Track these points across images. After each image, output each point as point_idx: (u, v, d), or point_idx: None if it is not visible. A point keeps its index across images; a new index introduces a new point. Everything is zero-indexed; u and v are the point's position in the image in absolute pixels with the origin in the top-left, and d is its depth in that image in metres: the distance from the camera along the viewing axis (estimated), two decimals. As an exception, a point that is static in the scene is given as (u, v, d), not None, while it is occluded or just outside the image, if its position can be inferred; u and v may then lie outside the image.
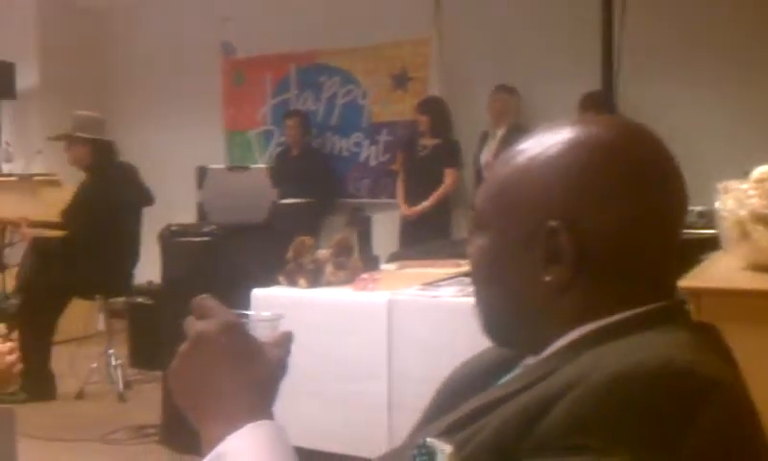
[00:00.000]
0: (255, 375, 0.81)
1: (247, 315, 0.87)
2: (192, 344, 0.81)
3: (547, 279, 0.84)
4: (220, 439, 0.76)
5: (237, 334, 0.82)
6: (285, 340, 0.87)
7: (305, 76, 7.10)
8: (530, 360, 0.90)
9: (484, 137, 5.99)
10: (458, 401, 0.87)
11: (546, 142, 0.87)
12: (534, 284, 0.85)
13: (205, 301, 0.84)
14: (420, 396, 1.04)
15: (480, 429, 0.77)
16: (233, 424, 0.77)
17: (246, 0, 6.83)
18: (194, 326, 0.82)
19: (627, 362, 0.73)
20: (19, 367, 1.69)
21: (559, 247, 0.83)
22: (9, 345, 1.69)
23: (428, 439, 0.80)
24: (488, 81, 6.01)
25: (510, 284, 0.89)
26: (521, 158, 0.89)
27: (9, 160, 7.55)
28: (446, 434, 0.81)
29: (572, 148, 0.85)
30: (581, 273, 0.83)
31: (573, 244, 0.83)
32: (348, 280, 3.40)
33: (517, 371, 0.91)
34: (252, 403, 0.79)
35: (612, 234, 0.83)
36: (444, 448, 0.78)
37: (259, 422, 0.78)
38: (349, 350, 3.15)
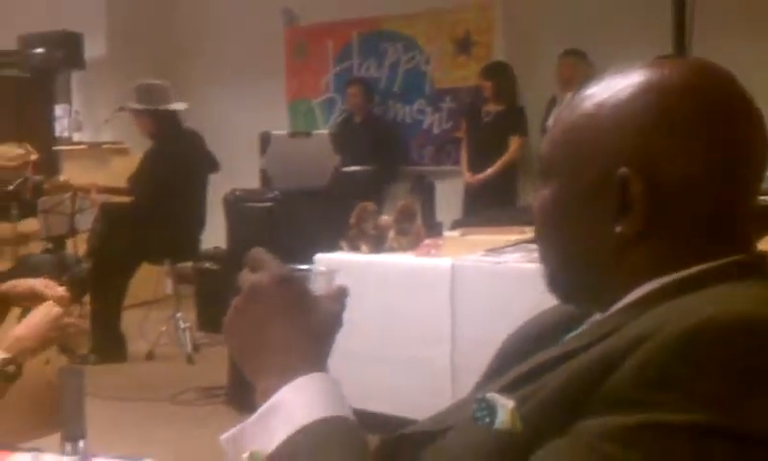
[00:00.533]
0: (310, 326, 0.80)
1: (302, 269, 0.86)
2: (246, 296, 0.80)
3: (617, 229, 0.81)
4: (273, 391, 0.75)
5: (291, 286, 0.81)
6: (340, 294, 0.85)
7: (368, 43, 7.06)
8: (596, 317, 0.87)
9: (552, 103, 5.86)
10: (520, 359, 0.85)
11: (616, 86, 0.83)
12: (603, 236, 0.82)
13: (259, 253, 0.83)
14: (483, 361, 1.02)
15: (543, 386, 0.75)
16: (287, 375, 0.76)
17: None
18: (248, 278, 0.81)
19: (702, 316, 0.69)
20: (78, 327, 1.71)
21: (630, 195, 0.79)
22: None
23: (489, 394, 0.78)
24: (555, 45, 5.88)
25: (577, 236, 0.85)
26: (590, 103, 0.85)
27: (78, 129, 7.75)
28: (508, 390, 0.79)
29: (644, 90, 0.81)
30: (653, 223, 0.79)
31: (646, 192, 0.79)
32: (411, 246, 3.38)
33: (583, 328, 0.87)
34: (305, 355, 0.78)
35: (687, 181, 0.79)
36: (504, 404, 0.76)
37: (313, 374, 0.77)
38: (412, 315, 3.15)
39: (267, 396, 0.76)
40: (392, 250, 3.39)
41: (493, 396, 0.78)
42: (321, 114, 7.36)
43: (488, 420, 0.77)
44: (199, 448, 3.36)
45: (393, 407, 3.03)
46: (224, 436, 0.77)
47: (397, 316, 3.17)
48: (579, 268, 0.86)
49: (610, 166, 0.80)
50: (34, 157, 5.44)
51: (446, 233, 4.00)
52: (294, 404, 0.74)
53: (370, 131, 6.52)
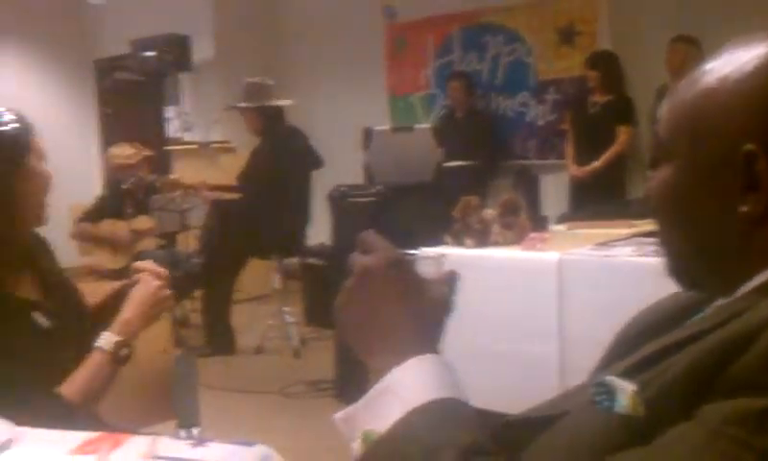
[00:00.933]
0: (421, 309, 0.80)
1: (412, 253, 0.85)
2: (358, 278, 0.81)
3: (743, 209, 0.77)
4: (385, 372, 0.75)
5: (403, 269, 0.81)
6: (450, 279, 0.85)
7: (469, 36, 7.00)
8: (719, 302, 0.82)
9: (661, 92, 5.64)
10: (639, 346, 0.81)
11: (739, 59, 0.79)
12: (727, 217, 0.78)
13: (371, 236, 0.83)
14: (590, 358, 0.98)
15: (665, 370, 0.72)
16: (398, 356, 0.76)
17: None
18: (359, 260, 0.81)
19: None
20: (168, 295, 1.76)
21: (756, 173, 0.75)
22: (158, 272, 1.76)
23: (609, 377, 0.76)
24: (664, 31, 5.66)
25: (699, 219, 0.81)
26: (710, 78, 0.80)
27: (189, 130, 8.01)
28: (628, 375, 0.76)
29: None
30: None
31: None
32: (516, 240, 3.32)
33: (706, 312, 0.83)
34: (417, 337, 0.78)
35: None
36: (625, 387, 0.74)
37: (424, 355, 0.76)
38: (518, 310, 3.09)
39: (379, 376, 0.76)
40: (496, 244, 3.34)
41: (614, 379, 0.75)
42: (421, 109, 7.35)
43: (607, 403, 0.75)
44: (307, 439, 3.41)
45: (496, 405, 2.98)
46: (337, 415, 0.78)
47: (502, 311, 3.12)
48: (701, 251, 0.83)
49: (734, 143, 0.76)
50: (147, 153, 5.65)
51: (552, 227, 3.91)
52: (406, 385, 0.74)
53: (471, 125, 6.46)
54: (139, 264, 1.80)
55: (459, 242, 3.35)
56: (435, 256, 0.87)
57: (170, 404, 2.10)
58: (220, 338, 5.15)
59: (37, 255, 1.76)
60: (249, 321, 5.34)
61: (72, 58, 8.97)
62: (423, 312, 0.80)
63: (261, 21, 8.22)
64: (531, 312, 3.05)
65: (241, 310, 5.44)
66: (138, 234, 5.49)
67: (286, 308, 5.28)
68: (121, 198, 5.51)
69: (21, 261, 1.68)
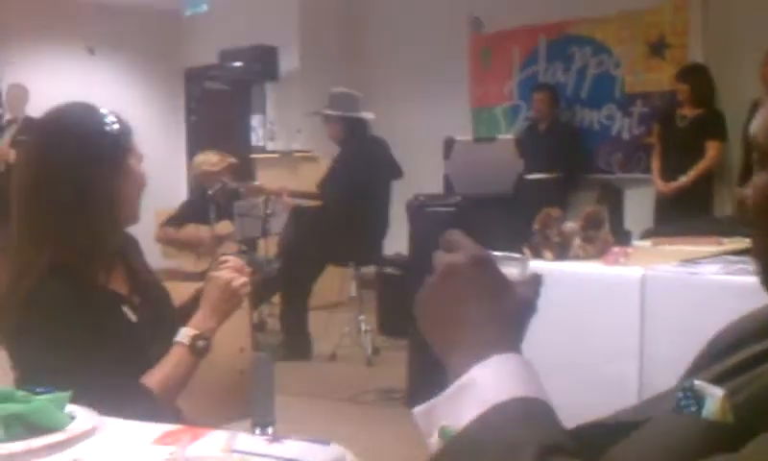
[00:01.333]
0: (503, 308, 0.79)
1: (497, 254, 0.84)
2: (441, 275, 0.80)
3: None
4: (464, 370, 0.74)
5: (486, 267, 0.80)
6: (534, 281, 0.84)
7: (554, 48, 6.92)
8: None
9: (755, 107, 5.44)
10: (729, 354, 0.78)
11: None
12: None
13: (455, 235, 0.83)
14: (672, 378, 0.94)
15: (757, 377, 0.69)
16: (479, 355, 0.75)
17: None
18: (443, 258, 0.80)
19: None
20: (247, 288, 1.78)
21: None
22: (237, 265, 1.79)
23: (696, 382, 0.72)
24: (758, 44, 5.46)
25: None
26: None
27: (272, 139, 8.15)
28: (716, 381, 0.73)
29: None
30: None
31: None
32: (597, 255, 3.25)
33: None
34: (499, 336, 0.77)
35: None
36: (714, 393, 0.70)
37: (506, 354, 0.75)
38: (598, 326, 3.01)
39: (457, 375, 0.75)
40: (577, 257, 3.27)
41: (702, 384, 0.73)
42: (504, 121, 7.29)
43: (694, 409, 0.72)
44: (378, 447, 3.40)
45: (572, 424, 2.91)
46: (416, 409, 0.77)
47: (582, 327, 3.05)
48: None
49: None
50: (231, 160, 5.77)
51: (636, 243, 3.81)
52: (486, 383, 0.73)
53: (555, 137, 6.38)
54: (221, 258, 1.84)
55: (538, 255, 3.30)
56: (520, 258, 0.86)
57: (246, 403, 2.14)
58: (296, 343, 5.21)
59: (128, 253, 1.81)
60: (324, 328, 5.37)
61: (164, 66, 9.26)
62: (507, 311, 0.79)
63: (346, 32, 8.31)
64: (611, 329, 2.97)
65: (317, 317, 5.49)
66: (220, 239, 5.60)
67: (361, 317, 5.30)
68: (205, 203, 5.63)
69: (115, 257, 1.74)
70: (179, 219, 5.74)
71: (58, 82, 7.40)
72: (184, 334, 1.67)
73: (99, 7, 7.33)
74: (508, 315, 0.79)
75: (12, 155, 6.66)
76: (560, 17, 6.79)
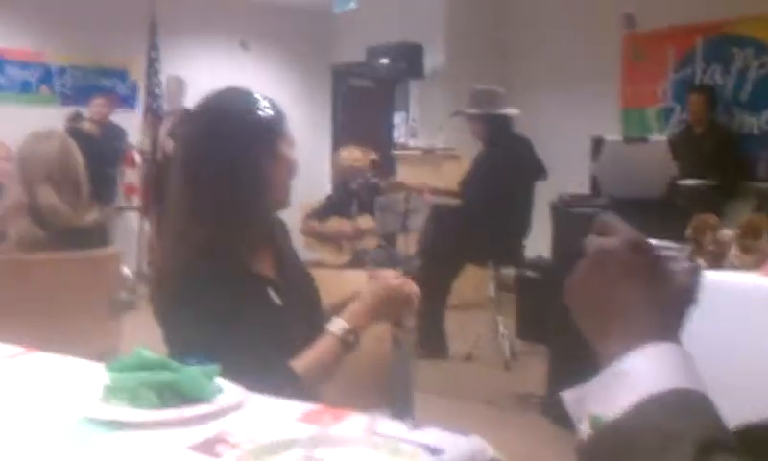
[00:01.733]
0: (661, 295, 0.74)
1: (655, 241, 0.80)
2: (594, 258, 0.77)
3: None
4: (619, 356, 0.71)
5: (644, 252, 0.76)
6: (694, 271, 0.79)
7: (712, 48, 6.58)
8: None
9: None
10: None
11: None
12: None
13: (610, 218, 0.79)
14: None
15: None
16: (635, 341, 0.71)
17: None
18: (596, 241, 0.77)
19: None
20: (404, 298, 1.76)
21: None
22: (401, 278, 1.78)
23: None
24: None
25: None
26: None
27: (414, 136, 8.19)
28: None
29: None
30: None
31: None
32: (755, 265, 3.07)
33: None
34: (657, 323, 0.73)
35: None
36: None
37: (665, 343, 0.71)
38: (754, 340, 2.83)
39: (610, 360, 0.71)
40: (732, 267, 3.10)
41: None
42: (656, 123, 7.00)
43: None
44: (514, 453, 3.33)
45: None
46: (566, 394, 0.74)
47: (737, 340, 2.88)
48: None
49: None
50: (374, 157, 5.84)
51: (799, 255, 3.55)
52: (642, 371, 0.69)
53: (711, 142, 6.06)
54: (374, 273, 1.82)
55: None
56: (680, 246, 0.82)
57: (384, 394, 2.14)
58: (433, 341, 5.19)
59: (277, 236, 1.85)
60: (461, 328, 5.33)
61: (312, 63, 9.50)
62: (664, 299, 0.74)
63: (492, 29, 8.23)
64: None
65: (454, 316, 5.45)
66: (361, 233, 5.68)
67: (499, 319, 5.22)
68: (348, 197, 5.74)
69: (263, 241, 1.78)
70: (322, 212, 5.87)
71: (213, 74, 7.74)
72: (337, 326, 1.67)
73: (253, 3, 7.60)
74: (667, 303, 0.75)
75: (169, 144, 7.02)
76: (719, 16, 6.45)
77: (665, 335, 0.72)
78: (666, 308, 0.75)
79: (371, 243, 5.75)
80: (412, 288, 1.76)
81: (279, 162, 1.71)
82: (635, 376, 0.69)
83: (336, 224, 5.79)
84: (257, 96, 1.74)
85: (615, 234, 0.77)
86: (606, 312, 0.75)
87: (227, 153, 1.65)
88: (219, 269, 1.62)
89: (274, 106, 1.74)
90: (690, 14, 6.59)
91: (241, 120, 1.69)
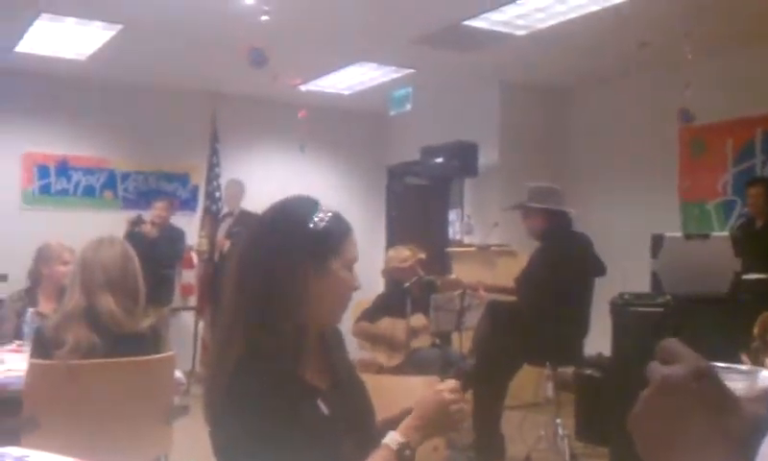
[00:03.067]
0: (730, 426, 0.70)
1: (722, 366, 0.75)
2: (658, 388, 0.73)
3: None
4: None
5: (710, 381, 0.71)
6: (765, 397, 0.72)
7: (773, 140, 6.48)
8: None
9: None
10: None
11: None
12: None
13: (673, 344, 0.75)
14: None
15: None
16: None
17: (705, 65, 6.49)
18: (659, 370, 0.72)
19: None
20: (463, 416, 1.71)
21: None
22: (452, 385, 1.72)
23: None
24: None
25: None
26: None
27: (469, 232, 8.18)
28: None
29: None
30: None
31: None
32: (830, 365, 2.91)
33: None
34: (725, 456, 0.69)
35: None
36: None
37: None
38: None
39: None
40: (805, 367, 2.95)
41: None
42: (717, 217, 6.86)
43: None
44: None
45: None
46: None
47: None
48: None
49: None
50: (421, 256, 5.82)
51: None
52: None
53: (774, 235, 5.90)
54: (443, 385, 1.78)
55: (758, 361, 3.02)
56: (748, 371, 0.77)
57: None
58: (489, 444, 5.03)
59: (329, 345, 1.82)
60: (518, 429, 5.17)
61: (368, 163, 9.68)
62: (735, 430, 0.70)
63: (547, 127, 8.29)
64: None
65: (512, 417, 5.29)
66: (415, 331, 5.62)
67: (558, 420, 5.05)
68: (400, 296, 5.70)
69: (312, 350, 1.74)
70: (374, 312, 5.84)
71: (271, 177, 7.93)
72: (393, 439, 1.62)
73: (311, 108, 7.82)
74: (736, 434, 0.70)
75: (226, 245, 7.14)
76: (779, 108, 6.38)
77: None
78: (736, 440, 0.70)
79: (424, 342, 5.68)
80: (458, 406, 1.69)
81: (327, 279, 1.66)
82: None
83: (389, 324, 5.74)
84: (322, 208, 1.69)
85: (680, 361, 0.73)
86: (672, 445, 0.72)
87: (267, 257, 1.64)
88: (265, 376, 1.59)
89: (337, 221, 1.69)
90: (748, 107, 6.54)
91: (289, 227, 1.67)
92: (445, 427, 1.72)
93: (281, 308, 1.63)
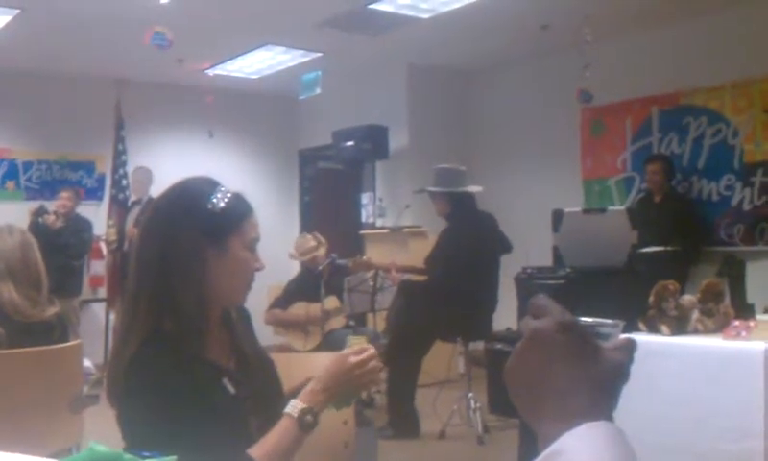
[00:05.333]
0: (593, 374, 0.76)
1: (586, 320, 0.81)
2: (528, 341, 0.78)
3: None
4: (555, 437, 0.72)
5: (574, 332, 0.77)
6: (627, 346, 0.80)
7: (668, 118, 6.77)
8: None
9: None
10: None
11: None
12: None
13: (541, 300, 0.80)
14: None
15: None
16: (569, 421, 0.72)
17: (604, 47, 6.72)
18: (530, 323, 0.78)
19: None
20: (363, 376, 1.73)
21: None
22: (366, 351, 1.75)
23: None
24: None
25: None
26: None
27: (382, 215, 8.26)
28: None
29: None
30: None
31: None
32: (717, 329, 3.09)
33: None
34: (589, 402, 0.74)
35: None
36: None
37: (597, 422, 0.71)
38: (718, 403, 2.84)
39: (547, 442, 0.72)
40: (695, 332, 3.12)
41: None
42: (617, 193, 7.14)
43: None
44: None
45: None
46: None
47: (701, 404, 2.88)
48: None
49: None
50: (322, 250, 5.90)
51: (759, 316, 3.60)
52: (577, 451, 0.69)
53: (670, 209, 6.19)
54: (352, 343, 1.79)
55: (653, 329, 3.17)
56: (611, 323, 0.83)
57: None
58: (404, 421, 5.13)
59: (234, 325, 1.82)
60: (432, 405, 5.29)
61: (279, 147, 9.63)
62: (596, 378, 0.76)
63: (454, 109, 8.42)
64: (734, 407, 2.79)
65: (425, 394, 5.41)
66: (328, 314, 5.67)
67: (470, 394, 5.19)
68: (313, 280, 5.73)
69: (216, 329, 1.75)
70: (286, 298, 5.86)
71: (180, 164, 7.81)
72: (293, 407, 1.63)
73: (219, 93, 7.73)
74: (598, 381, 0.76)
75: (135, 234, 7.01)
76: (673, 88, 6.66)
77: (598, 413, 0.73)
78: (599, 387, 0.76)
79: (337, 324, 5.73)
80: (373, 362, 1.72)
81: (226, 259, 1.66)
82: (570, 456, 0.69)
83: (302, 309, 5.76)
84: (221, 189, 1.69)
85: (547, 315, 0.78)
86: (540, 394, 0.76)
87: (164, 237, 1.64)
88: (166, 357, 1.59)
89: (237, 201, 1.69)
90: (645, 87, 6.80)
91: (186, 207, 1.67)
92: (352, 389, 1.73)
93: (182, 288, 1.63)
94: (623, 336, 0.82)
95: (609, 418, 0.74)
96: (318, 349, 5.48)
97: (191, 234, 1.64)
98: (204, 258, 1.64)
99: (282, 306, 5.83)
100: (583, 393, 0.74)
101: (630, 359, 0.79)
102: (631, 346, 0.80)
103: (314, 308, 5.64)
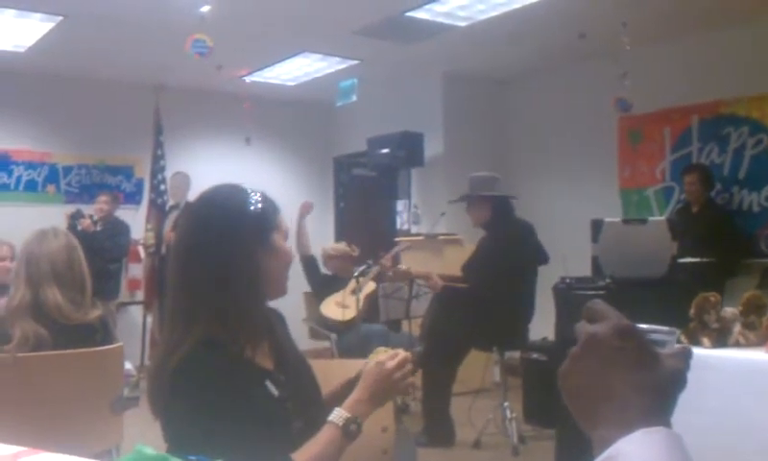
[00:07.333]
0: (650, 379, 0.76)
1: (644, 326, 0.81)
2: (584, 346, 0.78)
3: None
4: (610, 442, 0.71)
5: (631, 337, 0.77)
6: (683, 353, 0.80)
7: (708, 128, 6.68)
8: None
9: None
10: None
11: None
12: None
13: (598, 304, 0.81)
14: None
15: None
16: (625, 427, 0.72)
17: (643, 55, 6.66)
18: (586, 328, 0.78)
19: None
20: (407, 382, 1.77)
21: None
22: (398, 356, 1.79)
23: None
24: None
25: None
26: None
27: (417, 222, 8.26)
28: None
29: None
30: None
31: None
32: (760, 342, 3.05)
33: None
34: (645, 408, 0.74)
35: None
36: None
37: (654, 428, 0.71)
38: (762, 417, 2.80)
39: (602, 447, 0.72)
40: (737, 345, 3.08)
41: None
42: (656, 203, 7.06)
43: None
44: None
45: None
46: None
47: (743, 419, 2.84)
48: None
49: None
50: (354, 254, 6.00)
51: (804, 330, 3.54)
52: (633, 457, 0.69)
53: (707, 220, 6.10)
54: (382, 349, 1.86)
55: (695, 341, 3.13)
56: (668, 330, 0.83)
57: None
58: (439, 428, 5.12)
59: (275, 328, 1.85)
60: (467, 413, 5.26)
61: (315, 154, 9.68)
62: (654, 383, 0.76)
63: (490, 116, 8.40)
64: (778, 421, 2.75)
65: (461, 403, 5.39)
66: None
67: (506, 404, 5.16)
68: (346, 282, 5.84)
69: (261, 332, 1.78)
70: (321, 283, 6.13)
71: (217, 170, 7.88)
72: (338, 415, 1.67)
73: (256, 99, 7.80)
74: (655, 387, 0.76)
75: (172, 238, 7.08)
76: (713, 97, 6.58)
77: (655, 419, 0.73)
78: (656, 392, 0.76)
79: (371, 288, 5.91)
80: (408, 365, 1.78)
81: (272, 254, 1.73)
82: None
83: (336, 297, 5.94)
84: (251, 191, 1.77)
85: (604, 320, 0.79)
86: (596, 398, 0.76)
87: (217, 248, 1.67)
88: (215, 362, 1.61)
89: (267, 199, 1.77)
90: (685, 96, 6.73)
91: (230, 215, 1.72)
92: (389, 395, 1.78)
93: (245, 295, 1.67)
94: (678, 345, 0.82)
95: (666, 424, 0.74)
96: (354, 321, 5.55)
97: (245, 241, 1.69)
98: (257, 260, 1.70)
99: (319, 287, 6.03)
100: (641, 399, 0.74)
101: (686, 366, 0.80)
102: (687, 353, 0.81)
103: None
